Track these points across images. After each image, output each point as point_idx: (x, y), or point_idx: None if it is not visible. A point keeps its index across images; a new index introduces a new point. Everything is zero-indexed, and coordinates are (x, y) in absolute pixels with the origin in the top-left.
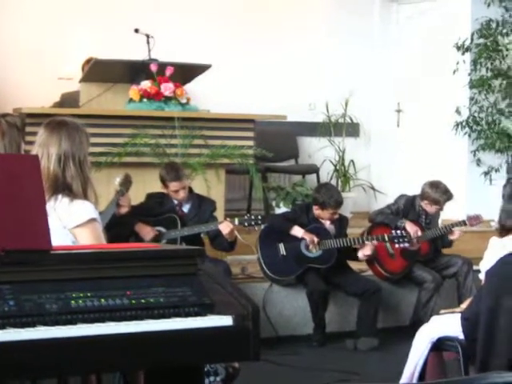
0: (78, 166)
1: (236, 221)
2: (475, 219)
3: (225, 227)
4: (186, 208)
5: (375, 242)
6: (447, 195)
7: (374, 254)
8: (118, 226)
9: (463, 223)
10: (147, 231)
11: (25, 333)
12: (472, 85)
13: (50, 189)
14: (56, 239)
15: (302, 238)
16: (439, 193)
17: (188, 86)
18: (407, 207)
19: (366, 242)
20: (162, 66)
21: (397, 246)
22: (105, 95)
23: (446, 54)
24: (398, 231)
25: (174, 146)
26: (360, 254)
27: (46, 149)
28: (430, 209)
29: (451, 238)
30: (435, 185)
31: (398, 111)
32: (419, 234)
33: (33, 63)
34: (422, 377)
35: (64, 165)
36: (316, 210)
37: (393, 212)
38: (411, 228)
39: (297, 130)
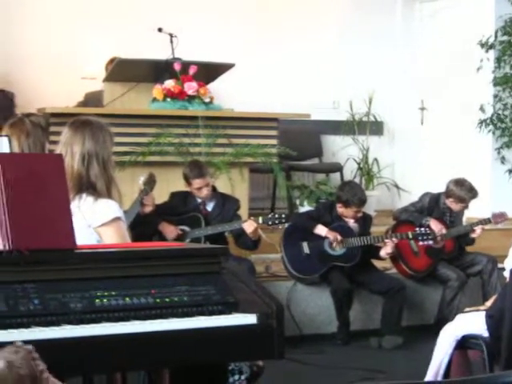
0: (101, 165)
1: (260, 219)
2: (500, 217)
3: (249, 226)
4: (209, 207)
5: (396, 239)
6: (472, 193)
7: (398, 252)
8: (142, 224)
9: (488, 221)
10: (171, 230)
11: (50, 331)
12: (496, 82)
13: (74, 188)
14: (80, 238)
15: (326, 237)
16: (464, 190)
17: (211, 85)
18: (432, 205)
19: (386, 240)
20: (186, 65)
21: (421, 243)
22: (128, 95)
23: (469, 51)
24: (423, 229)
25: (198, 145)
26: (382, 253)
27: (69, 148)
28: (455, 206)
29: (472, 235)
30: (460, 182)
31: (422, 109)
32: (444, 231)
33: (56, 63)
34: (446, 375)
35: (88, 164)
36: (339, 208)
37: (417, 210)
38: (436, 226)
39: (320, 128)
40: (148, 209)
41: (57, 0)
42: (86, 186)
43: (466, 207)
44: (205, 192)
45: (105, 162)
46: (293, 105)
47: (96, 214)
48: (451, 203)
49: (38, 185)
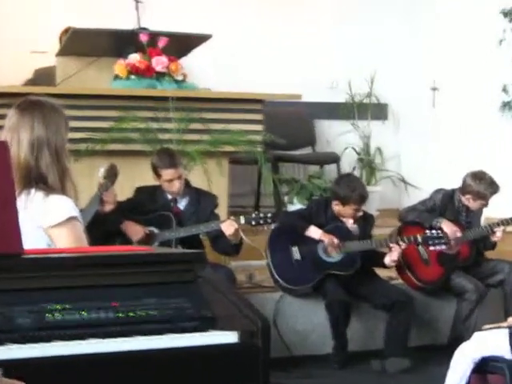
0: (54, 154)
1: (242, 219)
2: None
3: (228, 227)
4: (182, 204)
5: (403, 243)
6: (493, 188)
7: (404, 260)
8: (101, 225)
9: (510, 221)
10: (136, 231)
11: None
12: None
13: (21, 181)
14: (28, 241)
15: (320, 240)
16: (484, 185)
17: (184, 60)
18: (445, 203)
19: (392, 245)
20: (154, 37)
21: (432, 248)
22: (86, 71)
23: (490, 21)
24: (434, 231)
25: (168, 130)
26: (387, 260)
27: (16, 134)
28: (473, 204)
29: (493, 239)
30: (479, 176)
31: (434, 89)
32: (459, 234)
33: (0, 34)
34: None
35: (38, 153)
36: (336, 206)
37: (428, 209)
38: (449, 228)
39: (314, 111)
40: (109, 207)
41: None
42: (36, 180)
43: (486, 205)
44: (177, 185)
45: (58, 150)
46: (281, 84)
47: (47, 212)
48: (468, 200)
49: None
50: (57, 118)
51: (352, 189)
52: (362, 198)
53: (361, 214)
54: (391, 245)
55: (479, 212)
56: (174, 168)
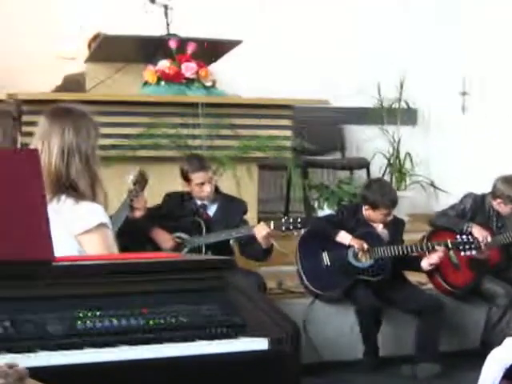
0: (84, 160)
1: (271, 225)
2: None
3: (260, 230)
4: (211, 211)
5: (440, 248)
6: None
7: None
8: (131, 232)
9: None
10: (166, 238)
11: (24, 359)
12: None
13: (52, 188)
14: (59, 248)
15: (350, 246)
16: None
17: (214, 67)
18: (475, 208)
19: (437, 248)
20: (183, 43)
21: (462, 254)
22: (115, 77)
23: None
24: (464, 236)
25: (198, 137)
26: (424, 263)
27: (47, 141)
28: (504, 209)
29: None
30: (510, 180)
31: (464, 94)
32: (489, 239)
33: (30, 41)
34: None
35: (68, 159)
36: (366, 211)
37: (458, 214)
38: (480, 233)
39: (343, 117)
40: (138, 213)
41: None
42: (66, 186)
43: None
44: (207, 189)
45: (88, 157)
46: (310, 89)
47: (77, 219)
48: (499, 205)
49: (9, 185)
50: (87, 124)
51: (382, 193)
52: (393, 202)
53: (391, 218)
54: (437, 247)
55: (511, 217)
56: (204, 171)
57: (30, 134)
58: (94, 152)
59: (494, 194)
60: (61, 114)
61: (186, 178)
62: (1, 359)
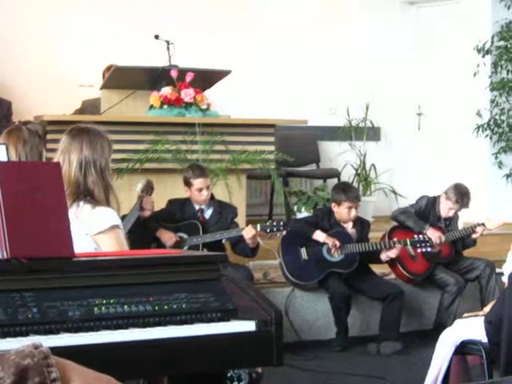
0: (99, 172)
1: (258, 227)
2: (493, 222)
3: (248, 232)
4: (207, 214)
5: (400, 245)
6: (468, 199)
7: (396, 256)
8: (140, 230)
9: (482, 225)
10: (169, 237)
11: (48, 340)
12: (493, 87)
13: (72, 195)
14: (78, 246)
15: (324, 243)
16: (461, 196)
17: (208, 92)
18: (428, 208)
19: (398, 246)
20: (183, 72)
21: (419, 250)
22: (126, 102)
23: (466, 56)
24: (421, 236)
25: (195, 151)
26: (383, 256)
27: (67, 155)
28: (449, 211)
29: (475, 236)
30: (459, 188)
31: (419, 114)
32: (443, 239)
33: (53, 71)
34: (445, 381)
35: (85, 171)
36: (334, 208)
37: (416, 212)
38: (434, 234)
39: (318, 134)
40: (147, 213)
41: (54, 7)
42: (84, 194)
43: (459, 210)
44: (205, 194)
45: (102, 169)
46: (290, 111)
47: (94, 221)
48: (445, 207)
49: (36, 193)
50: (102, 141)
51: (344, 190)
52: (354, 196)
53: (355, 214)
54: (398, 245)
55: (456, 217)
56: (204, 177)
57: (54, 150)
58: (108, 165)
59: (443, 197)
60: (79, 132)
61: (187, 183)
62: (28, 340)
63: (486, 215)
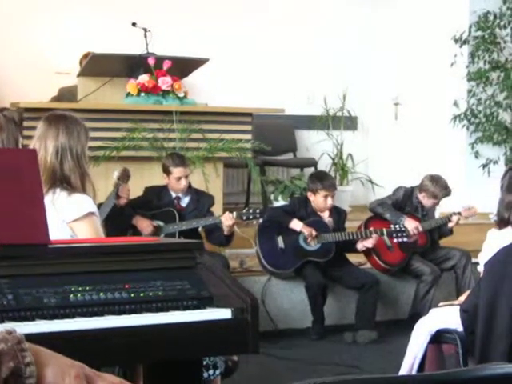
0: (75, 159)
1: (234, 214)
2: (469, 210)
3: (227, 219)
4: (184, 202)
5: (376, 235)
6: (446, 191)
7: (372, 246)
8: (117, 218)
9: (458, 214)
10: (146, 225)
11: (24, 327)
12: (470, 77)
13: (48, 181)
14: (54, 233)
15: (301, 232)
16: (439, 187)
17: (186, 80)
18: (405, 199)
19: (374, 235)
20: (160, 60)
21: (395, 240)
22: (102, 89)
23: (443, 46)
24: (397, 226)
25: (172, 139)
26: (360, 245)
27: (43, 141)
28: (427, 202)
29: (450, 225)
30: (436, 179)
31: (396, 104)
32: (420, 229)
33: (30, 58)
34: (421, 369)
35: (61, 157)
36: (310, 197)
37: (393, 203)
38: (410, 225)
39: (295, 123)
40: (123, 201)
41: None
42: (60, 181)
43: (437, 204)
44: (183, 183)
45: (79, 156)
46: (267, 99)
47: (70, 208)
48: (423, 198)
49: (12, 179)
50: (78, 128)
51: (319, 179)
52: (329, 184)
53: (331, 202)
54: (374, 235)
55: (432, 208)
56: (184, 167)
57: (30, 138)
58: (84, 152)
59: (421, 188)
60: (56, 119)
61: (166, 171)
62: (4, 327)
63: (462, 205)
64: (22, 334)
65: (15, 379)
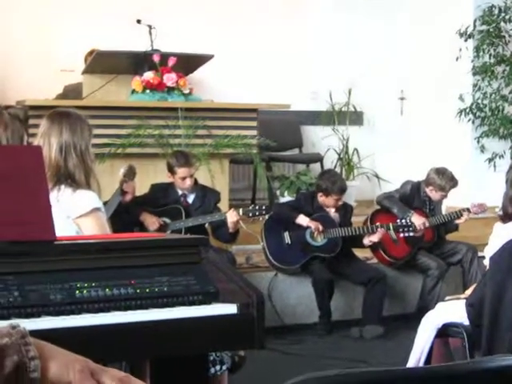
0: (79, 155)
1: (240, 211)
2: (479, 207)
3: (232, 216)
4: (190, 199)
5: (382, 230)
6: (453, 182)
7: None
8: (123, 214)
9: (467, 210)
10: (152, 221)
11: (30, 323)
12: (475, 71)
13: (53, 178)
14: (60, 230)
15: (307, 227)
16: (445, 179)
17: (191, 77)
18: (413, 193)
19: (380, 230)
20: (165, 57)
21: (401, 235)
22: (107, 87)
23: (448, 40)
24: (404, 220)
25: (178, 136)
26: (366, 240)
27: (47, 138)
28: (435, 195)
29: (458, 222)
30: (441, 171)
31: (402, 99)
32: (427, 225)
33: (35, 56)
34: (427, 363)
35: (65, 154)
36: (320, 197)
37: (400, 197)
38: (417, 220)
39: (300, 118)
40: (128, 197)
41: None
42: (65, 177)
43: (445, 196)
44: (188, 182)
45: (82, 152)
46: (272, 95)
47: (75, 205)
48: (431, 191)
49: (17, 176)
50: (81, 125)
51: (333, 182)
52: (342, 189)
53: (341, 203)
54: (380, 229)
55: (440, 202)
56: (188, 167)
57: (35, 135)
58: (88, 148)
59: (427, 182)
60: (59, 116)
61: (171, 170)
62: (10, 323)
63: (468, 199)
64: (25, 328)
65: (19, 373)
